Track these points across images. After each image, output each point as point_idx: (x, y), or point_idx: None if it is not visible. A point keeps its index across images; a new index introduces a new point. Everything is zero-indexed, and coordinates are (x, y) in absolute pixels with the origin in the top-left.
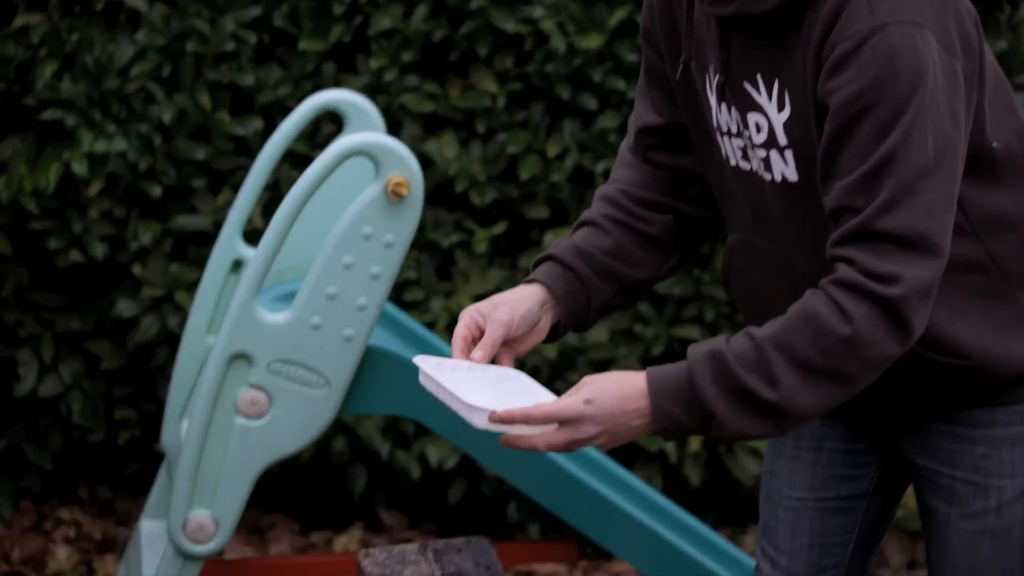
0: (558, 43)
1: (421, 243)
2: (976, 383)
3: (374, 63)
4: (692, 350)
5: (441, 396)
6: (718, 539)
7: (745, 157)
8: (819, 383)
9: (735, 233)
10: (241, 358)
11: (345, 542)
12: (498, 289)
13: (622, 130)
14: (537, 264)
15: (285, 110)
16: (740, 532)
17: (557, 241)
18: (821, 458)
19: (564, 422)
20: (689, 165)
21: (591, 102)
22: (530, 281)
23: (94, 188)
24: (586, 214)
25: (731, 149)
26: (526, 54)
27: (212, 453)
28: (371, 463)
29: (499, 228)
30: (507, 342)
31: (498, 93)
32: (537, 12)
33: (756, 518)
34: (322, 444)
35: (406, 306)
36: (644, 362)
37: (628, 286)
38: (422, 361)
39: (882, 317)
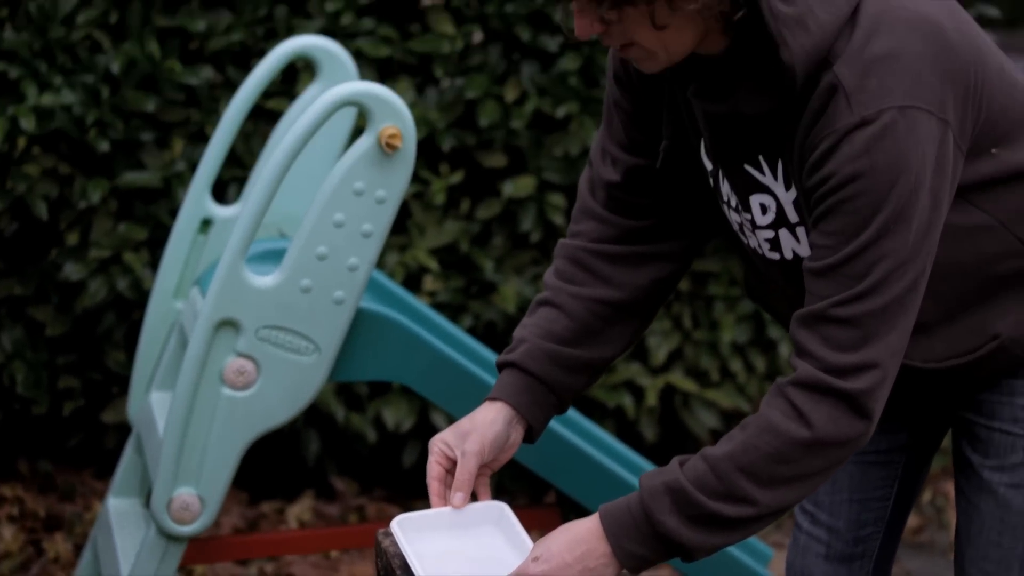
0: None
1: None
2: (1016, 354)
3: (329, 6)
4: (645, 481)
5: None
6: None
7: (743, 233)
8: (791, 486)
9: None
10: (228, 325)
11: (297, 512)
12: (455, 243)
13: (583, 72)
14: (501, 367)
15: (236, 57)
16: None
17: (520, 330)
18: None
19: None
20: (663, 215)
21: (551, 44)
22: (495, 399)
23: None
24: (547, 286)
25: (731, 221)
26: None
27: (197, 428)
28: (324, 427)
29: (456, 177)
30: (481, 466)
31: (456, 36)
32: None
33: None
34: None
35: None
36: None
37: (598, 367)
38: (399, 527)
39: (846, 412)
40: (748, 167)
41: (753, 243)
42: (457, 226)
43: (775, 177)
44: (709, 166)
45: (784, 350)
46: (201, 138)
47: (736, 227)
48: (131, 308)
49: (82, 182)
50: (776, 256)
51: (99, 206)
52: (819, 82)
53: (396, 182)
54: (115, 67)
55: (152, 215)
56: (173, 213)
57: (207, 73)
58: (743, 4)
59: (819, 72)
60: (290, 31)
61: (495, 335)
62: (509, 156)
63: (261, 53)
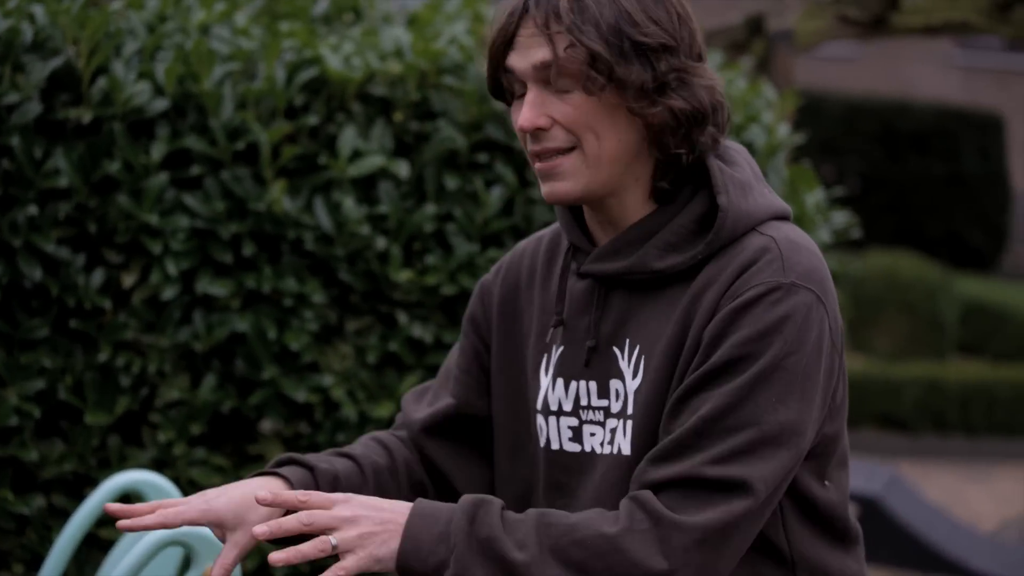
0: (349, 412)
1: None
2: None
3: (161, 436)
4: (464, 497)
5: None
6: None
7: (576, 438)
8: (563, 568)
9: None
10: None
11: None
12: None
13: None
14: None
15: (68, 485)
16: None
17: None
18: None
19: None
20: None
21: None
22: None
23: None
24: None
25: (556, 430)
26: (317, 423)
27: None
28: None
29: None
30: None
31: None
32: (327, 380)
33: None
34: None
35: None
36: None
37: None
38: None
39: (655, 538)
40: (615, 348)
41: (592, 443)
42: None
43: (628, 363)
44: (547, 376)
45: None
46: (35, 565)
47: (564, 438)
48: None
49: None
50: (610, 450)
51: None
52: (747, 243)
53: None
54: None
55: None
56: None
57: (39, 502)
58: (691, 150)
59: (746, 236)
60: (123, 460)
61: None
62: None
63: (94, 482)
